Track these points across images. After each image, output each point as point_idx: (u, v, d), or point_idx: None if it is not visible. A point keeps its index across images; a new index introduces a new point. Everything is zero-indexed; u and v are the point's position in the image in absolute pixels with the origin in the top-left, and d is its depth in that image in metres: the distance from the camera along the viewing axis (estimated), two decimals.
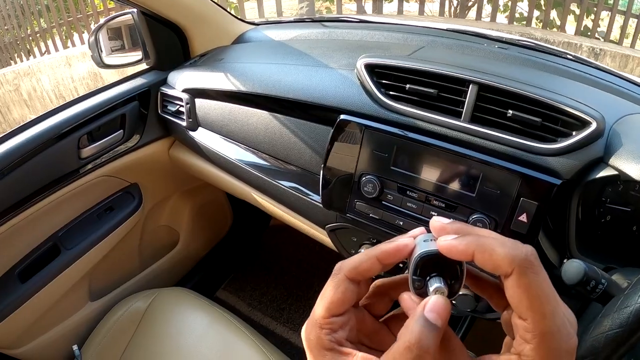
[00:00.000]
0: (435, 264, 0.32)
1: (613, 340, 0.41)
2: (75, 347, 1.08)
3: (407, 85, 0.75)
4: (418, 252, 0.32)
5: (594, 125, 0.64)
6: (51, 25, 4.78)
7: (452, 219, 0.33)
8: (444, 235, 0.32)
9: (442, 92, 0.74)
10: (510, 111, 0.69)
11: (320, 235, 0.95)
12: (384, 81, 0.78)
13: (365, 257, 0.33)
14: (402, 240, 0.34)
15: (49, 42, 4.86)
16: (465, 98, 0.72)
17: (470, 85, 0.71)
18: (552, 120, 0.68)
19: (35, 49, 5.02)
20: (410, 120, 0.75)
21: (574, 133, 0.66)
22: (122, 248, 1.27)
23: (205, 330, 1.04)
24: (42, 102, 4.52)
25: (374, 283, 0.37)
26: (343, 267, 0.34)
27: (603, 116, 0.67)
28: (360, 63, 0.80)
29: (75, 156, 1.05)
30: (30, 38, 5.05)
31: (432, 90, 0.73)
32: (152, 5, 1.07)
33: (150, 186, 1.30)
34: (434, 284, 0.31)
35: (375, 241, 0.85)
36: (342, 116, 0.78)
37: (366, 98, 0.79)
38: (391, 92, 0.77)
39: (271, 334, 1.59)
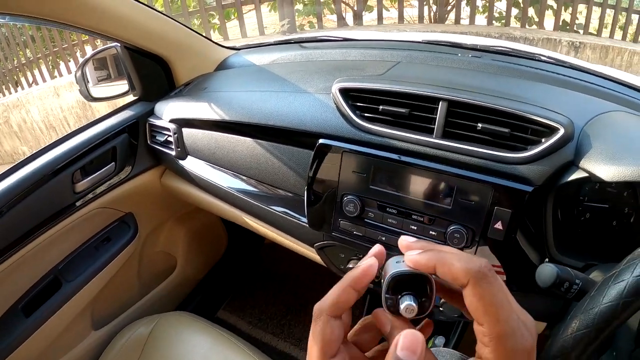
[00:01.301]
0: (406, 284, 0.35)
1: (581, 340, 0.43)
2: None
3: (381, 107, 0.78)
4: (390, 272, 0.35)
5: (561, 131, 0.67)
6: (37, 56, 4.78)
7: (416, 239, 0.37)
8: (409, 251, 0.35)
9: (414, 110, 0.76)
10: (480, 124, 0.72)
11: (310, 253, 0.98)
12: (358, 104, 0.81)
13: (339, 290, 0.36)
14: (366, 263, 0.36)
15: (36, 73, 4.86)
16: (436, 115, 0.74)
17: (440, 102, 0.74)
18: (521, 130, 0.70)
19: (23, 80, 5.02)
20: (385, 140, 0.78)
21: (542, 140, 0.69)
22: (121, 276, 1.29)
23: (208, 352, 1.06)
24: (32, 133, 4.53)
25: (361, 320, 0.40)
26: (323, 308, 0.36)
27: (571, 121, 0.69)
28: (335, 88, 0.83)
29: (70, 191, 1.08)
30: (18, 69, 5.05)
31: (403, 110, 0.76)
32: (134, 40, 1.10)
33: (144, 214, 1.32)
34: (405, 302, 0.34)
35: (361, 256, 0.87)
36: (321, 140, 0.81)
37: (342, 121, 0.82)
38: (366, 114, 0.80)
39: (273, 350, 1.60)
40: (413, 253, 0.35)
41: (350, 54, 1.15)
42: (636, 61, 3.66)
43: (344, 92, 0.82)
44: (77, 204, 1.11)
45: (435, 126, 0.74)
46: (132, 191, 1.23)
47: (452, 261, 0.33)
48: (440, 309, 0.80)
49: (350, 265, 0.87)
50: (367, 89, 0.81)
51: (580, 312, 0.44)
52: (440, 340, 1.11)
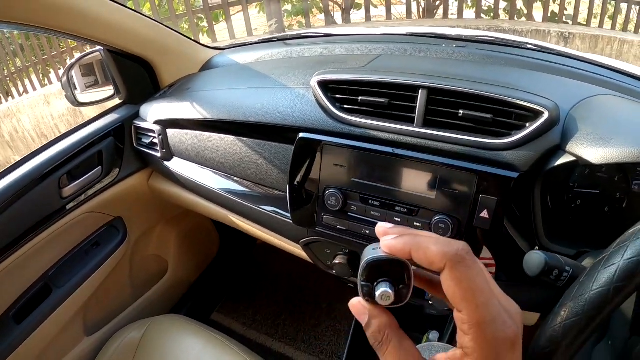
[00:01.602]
0: (383, 270, 0.34)
1: (571, 329, 0.41)
2: None
3: (360, 98, 0.78)
4: (365, 258, 0.34)
5: (546, 115, 0.66)
6: (27, 64, 4.77)
7: (394, 225, 0.36)
8: (385, 237, 0.34)
9: (394, 100, 0.76)
10: (462, 111, 0.71)
11: (298, 250, 0.97)
12: (338, 96, 0.81)
13: None
14: None
15: (26, 82, 4.85)
16: (417, 103, 0.73)
17: (420, 90, 0.73)
18: (505, 115, 0.70)
19: (13, 90, 5.01)
20: (365, 131, 0.77)
21: (527, 125, 0.68)
22: (112, 281, 1.28)
23: (200, 355, 1.05)
24: (24, 142, 4.51)
25: None
26: None
27: (556, 104, 0.68)
28: (314, 80, 0.83)
29: (57, 196, 1.07)
30: (8, 79, 5.04)
31: (383, 100, 0.76)
32: (117, 43, 1.09)
33: (133, 218, 1.31)
34: (380, 289, 0.33)
35: (347, 251, 0.87)
36: (301, 134, 0.81)
37: (322, 114, 0.81)
38: (346, 106, 0.80)
39: (268, 350, 1.60)
40: (388, 238, 0.34)
41: (334, 49, 1.15)
42: (626, 50, 3.66)
43: (323, 84, 0.82)
44: (65, 209, 1.10)
45: (416, 115, 0.74)
46: (120, 195, 1.22)
47: (428, 245, 0.31)
48: (430, 302, 0.79)
49: (337, 261, 0.86)
50: (346, 80, 0.80)
51: (570, 299, 0.42)
52: (434, 334, 1.10)
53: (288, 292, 1.83)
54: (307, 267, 1.78)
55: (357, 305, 0.35)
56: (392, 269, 0.33)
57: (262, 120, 0.89)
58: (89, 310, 1.25)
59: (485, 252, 0.74)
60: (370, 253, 0.35)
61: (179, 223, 1.53)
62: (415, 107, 0.74)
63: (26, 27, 0.91)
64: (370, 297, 0.34)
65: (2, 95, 5.05)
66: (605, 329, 0.59)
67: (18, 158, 1.05)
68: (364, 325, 0.35)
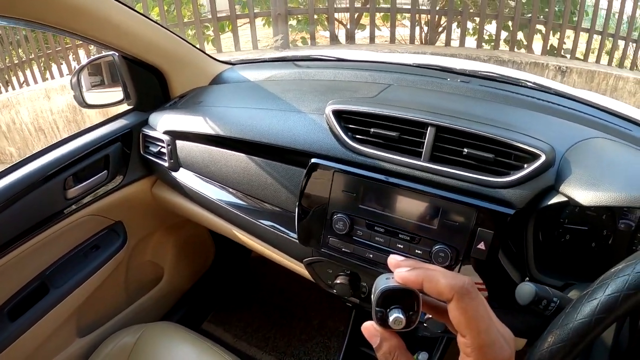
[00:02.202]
0: (395, 298, 0.38)
1: (557, 353, 0.45)
2: None
3: (372, 130, 0.82)
4: (380, 287, 0.39)
5: (543, 158, 0.71)
6: (30, 57, 4.75)
7: (404, 257, 0.40)
8: (398, 269, 0.39)
9: (404, 134, 0.80)
10: (466, 149, 0.76)
11: (299, 267, 1.00)
12: (350, 125, 0.85)
13: None
14: None
15: (28, 74, 4.82)
16: (425, 139, 0.78)
17: (429, 128, 0.78)
18: (505, 155, 0.75)
19: (14, 80, 4.98)
20: (375, 161, 0.81)
21: (525, 166, 0.73)
22: (108, 284, 1.29)
23: None
24: (21, 134, 4.48)
25: None
26: None
27: (553, 147, 0.73)
28: (329, 109, 0.87)
29: (61, 197, 1.08)
30: (9, 69, 5.01)
31: (394, 134, 0.80)
32: (132, 50, 1.11)
33: (134, 224, 1.32)
34: (393, 314, 0.38)
35: (349, 272, 0.90)
36: (313, 160, 0.84)
37: (335, 142, 0.85)
38: (357, 136, 0.84)
39: None
40: (402, 270, 0.38)
41: (343, 74, 1.18)
42: (621, 85, 3.75)
43: (337, 114, 0.86)
44: (68, 210, 1.11)
45: (424, 150, 0.78)
46: (123, 200, 1.24)
47: (438, 278, 0.36)
48: (425, 324, 0.82)
49: (338, 281, 0.89)
50: (359, 112, 0.84)
51: (557, 327, 0.46)
52: (423, 355, 1.13)
53: (280, 306, 1.84)
54: (300, 283, 1.80)
55: (369, 328, 0.40)
56: (404, 297, 0.38)
57: (275, 142, 0.92)
58: (83, 312, 1.25)
59: (476, 278, 0.78)
60: (384, 282, 0.39)
61: (176, 231, 1.55)
62: (423, 142, 0.78)
63: (46, 27, 0.93)
64: (383, 321, 0.38)
65: (1, 85, 5.01)
66: (586, 355, 0.63)
67: (13, 150, 1.06)
68: (375, 346, 0.39)
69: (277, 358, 1.63)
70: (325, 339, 1.67)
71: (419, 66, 1.21)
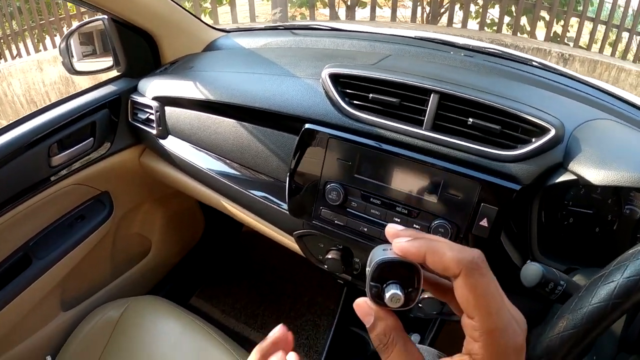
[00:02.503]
0: (393, 272, 0.33)
1: (568, 340, 0.42)
2: (48, 358, 1.07)
3: (370, 95, 0.77)
4: (376, 259, 0.33)
5: (552, 132, 0.67)
6: (23, 28, 4.67)
7: (404, 227, 0.35)
8: (398, 239, 0.33)
9: (405, 101, 0.76)
10: (471, 119, 0.71)
11: (289, 242, 0.96)
12: (348, 90, 0.80)
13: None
14: (273, 332, 0.44)
15: (21, 46, 4.75)
16: (427, 107, 0.74)
17: (432, 94, 0.73)
18: (512, 128, 0.71)
19: (6, 52, 4.91)
20: (373, 129, 0.76)
21: (533, 140, 0.69)
22: (93, 257, 1.26)
23: (178, 338, 1.04)
24: (12, 107, 4.42)
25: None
26: None
27: (562, 123, 0.69)
28: (325, 73, 0.82)
29: (45, 164, 1.04)
30: (2, 41, 4.93)
31: (394, 100, 0.75)
32: (123, 13, 1.07)
33: (121, 194, 1.29)
34: (391, 290, 0.32)
35: (341, 247, 0.86)
36: (307, 125, 0.80)
37: (331, 107, 0.80)
38: (355, 102, 0.79)
39: (245, 340, 1.59)
40: (402, 240, 0.33)
41: (342, 43, 1.14)
42: (623, 78, 3.71)
43: (334, 77, 0.81)
44: (52, 178, 1.07)
45: (426, 118, 0.74)
46: (110, 169, 1.20)
47: (443, 250, 0.31)
48: (420, 305, 0.78)
49: (329, 256, 0.85)
50: (358, 76, 0.79)
51: (568, 311, 0.43)
52: (415, 337, 1.10)
53: (270, 282, 1.82)
54: (290, 259, 1.79)
55: (362, 305, 0.34)
56: (403, 271, 0.33)
57: (267, 107, 0.87)
58: (67, 285, 1.22)
59: None
60: (380, 254, 0.34)
61: (165, 203, 1.51)
62: (425, 110, 0.74)
63: None
64: (378, 298, 0.33)
65: None
66: (591, 345, 0.60)
67: (4, 122, 1.01)
68: (368, 326, 0.34)
69: (265, 334, 1.58)
70: (315, 317, 1.66)
71: (420, 39, 1.16)
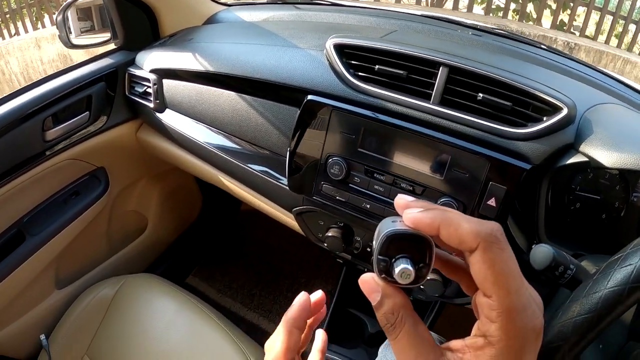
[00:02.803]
0: (402, 246, 0.30)
1: (581, 325, 0.40)
2: (42, 337, 1.05)
3: (377, 66, 0.74)
4: (384, 231, 0.31)
5: (565, 111, 0.65)
6: (21, 5, 4.62)
7: (415, 198, 0.32)
8: (409, 209, 0.30)
9: (412, 73, 0.73)
10: (481, 94, 0.69)
11: (288, 219, 0.94)
12: (353, 62, 0.77)
13: (286, 335, 0.38)
14: (299, 298, 0.40)
15: (19, 24, 4.70)
16: (435, 80, 0.71)
17: (441, 68, 0.71)
18: (523, 105, 0.69)
19: (4, 31, 4.86)
20: (378, 101, 0.74)
21: (544, 118, 0.67)
22: (89, 234, 1.24)
23: (173, 317, 1.03)
24: (10, 85, 4.39)
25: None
26: (278, 357, 0.38)
27: (574, 103, 0.67)
28: (330, 43, 0.79)
29: (39, 139, 1.01)
30: (0, 19, 4.89)
31: (401, 72, 0.73)
32: None
33: (117, 170, 1.26)
34: (401, 265, 0.30)
35: (342, 224, 0.84)
36: (310, 97, 0.77)
37: (334, 78, 0.78)
38: (360, 73, 0.76)
39: (241, 319, 1.58)
40: (414, 211, 0.30)
41: (347, 18, 1.11)
42: (628, 70, 3.69)
43: (339, 48, 0.78)
44: (47, 153, 1.04)
45: (434, 92, 0.71)
46: (106, 144, 1.17)
47: (459, 221, 0.28)
48: (421, 287, 0.76)
49: (329, 234, 0.83)
50: (364, 47, 0.76)
51: (582, 295, 0.41)
52: None
53: (267, 262, 1.80)
54: (288, 239, 1.80)
55: (369, 281, 0.32)
56: (413, 245, 0.30)
57: (269, 78, 0.84)
58: (62, 263, 1.20)
59: None
60: (389, 226, 0.31)
61: (162, 180, 1.49)
62: (433, 83, 0.72)
63: None
64: (386, 273, 0.30)
65: None
66: (602, 331, 0.59)
67: None
68: (374, 304, 0.31)
69: (261, 315, 1.61)
70: None
71: (427, 16, 1.13)
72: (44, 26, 4.50)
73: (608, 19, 4.14)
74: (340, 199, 0.79)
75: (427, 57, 0.71)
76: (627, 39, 4.29)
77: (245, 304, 1.65)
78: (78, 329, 1.06)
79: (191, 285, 1.71)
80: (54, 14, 4.42)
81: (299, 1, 1.28)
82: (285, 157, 0.83)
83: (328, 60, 0.80)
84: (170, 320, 1.02)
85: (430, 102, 0.71)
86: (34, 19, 4.61)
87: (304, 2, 1.28)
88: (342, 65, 0.77)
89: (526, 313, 0.27)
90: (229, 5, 1.31)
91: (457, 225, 0.28)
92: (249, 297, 1.67)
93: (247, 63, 0.88)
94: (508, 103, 0.68)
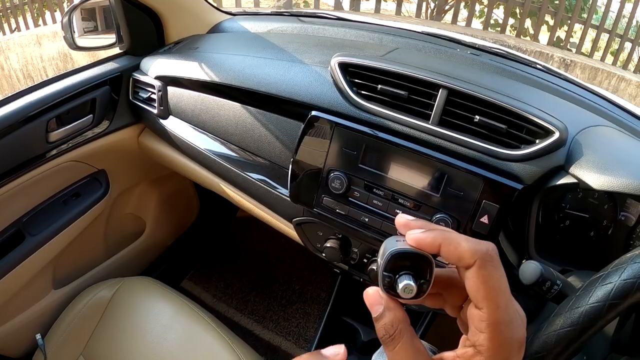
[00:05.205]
0: (405, 264, 0.33)
1: (564, 337, 0.43)
2: (38, 336, 1.05)
3: (379, 86, 0.77)
4: (389, 250, 0.33)
5: (556, 135, 0.68)
6: (23, 1, 4.61)
7: (415, 217, 0.35)
8: (408, 230, 0.34)
9: (413, 94, 0.75)
10: (477, 117, 0.72)
11: (287, 228, 0.96)
12: (356, 80, 0.80)
13: None
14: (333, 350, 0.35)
15: (20, 20, 4.69)
16: (435, 101, 0.73)
17: (440, 90, 0.73)
18: (517, 128, 0.71)
19: (5, 26, 4.84)
20: (380, 120, 0.76)
21: (537, 141, 0.70)
22: (87, 235, 1.24)
23: (170, 320, 1.04)
24: (9, 81, 4.38)
25: None
26: None
27: (566, 126, 0.70)
28: (335, 61, 0.81)
29: (43, 140, 1.02)
30: (1, 14, 4.87)
31: (402, 92, 0.75)
32: None
33: (117, 173, 1.27)
34: (404, 281, 0.32)
35: (340, 236, 0.86)
36: (314, 112, 0.79)
37: (338, 96, 0.80)
38: (363, 92, 0.78)
39: (235, 325, 1.59)
40: (417, 232, 0.33)
41: (349, 33, 1.13)
42: (623, 87, 3.73)
43: (343, 67, 0.80)
44: (49, 154, 1.05)
45: (433, 113, 0.74)
46: (108, 147, 1.18)
47: (458, 241, 0.31)
48: None
49: (328, 245, 0.85)
50: (368, 67, 0.79)
51: (566, 310, 0.44)
52: None
53: (262, 269, 1.82)
54: (283, 247, 1.81)
55: (374, 294, 0.35)
56: (415, 263, 0.33)
57: (274, 92, 0.86)
58: (59, 263, 1.21)
59: None
60: (393, 244, 0.34)
61: (161, 185, 1.50)
62: (433, 104, 0.74)
63: None
64: (390, 288, 0.33)
65: None
66: (584, 344, 0.61)
67: (0, 97, 1.00)
68: (375, 315, 0.34)
69: (255, 321, 1.61)
70: (306, 306, 1.66)
71: (427, 34, 1.15)
72: (45, 23, 4.48)
73: (604, 37, 4.19)
74: (340, 212, 0.81)
75: (428, 79, 0.74)
76: (623, 56, 4.34)
77: (239, 309, 1.66)
78: (74, 329, 1.07)
79: (186, 289, 1.72)
80: (56, 11, 4.42)
81: (302, 13, 1.30)
82: (287, 169, 0.85)
83: (332, 77, 0.82)
84: (167, 323, 1.03)
85: (430, 122, 0.73)
86: (35, 15, 4.60)
87: (308, 14, 1.29)
88: (346, 84, 0.79)
89: (512, 325, 0.31)
90: (234, 15, 1.33)
91: (456, 244, 0.31)
92: (243, 303, 1.68)
93: (253, 76, 0.90)
94: (503, 126, 0.70)
